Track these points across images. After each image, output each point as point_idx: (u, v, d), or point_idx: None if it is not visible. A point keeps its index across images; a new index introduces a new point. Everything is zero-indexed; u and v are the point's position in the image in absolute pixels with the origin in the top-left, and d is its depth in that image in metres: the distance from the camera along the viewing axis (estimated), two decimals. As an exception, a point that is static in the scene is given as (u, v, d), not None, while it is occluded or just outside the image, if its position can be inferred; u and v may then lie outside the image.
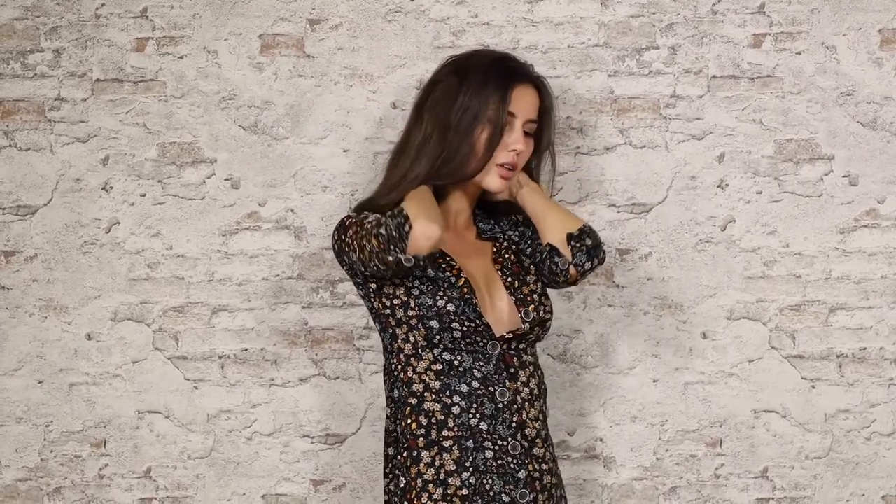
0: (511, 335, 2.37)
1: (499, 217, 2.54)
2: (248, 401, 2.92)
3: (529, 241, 2.51)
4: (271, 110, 2.91)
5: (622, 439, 2.91)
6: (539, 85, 2.45)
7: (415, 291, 2.34)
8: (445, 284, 2.35)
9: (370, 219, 2.33)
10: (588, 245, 2.39)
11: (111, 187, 2.92)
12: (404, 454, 2.35)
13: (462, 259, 2.42)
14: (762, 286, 2.90)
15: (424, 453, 2.34)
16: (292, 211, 2.91)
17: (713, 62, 2.88)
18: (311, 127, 2.91)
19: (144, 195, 2.92)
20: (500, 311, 2.40)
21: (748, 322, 2.90)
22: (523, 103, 2.40)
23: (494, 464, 2.32)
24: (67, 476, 2.93)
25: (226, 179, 2.91)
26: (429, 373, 2.36)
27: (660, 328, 2.90)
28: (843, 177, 2.89)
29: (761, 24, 2.88)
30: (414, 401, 2.36)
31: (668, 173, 2.89)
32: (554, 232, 2.41)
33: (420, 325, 2.32)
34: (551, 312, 2.44)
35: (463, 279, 2.36)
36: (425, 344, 2.35)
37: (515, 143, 2.38)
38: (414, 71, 2.88)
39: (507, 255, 2.48)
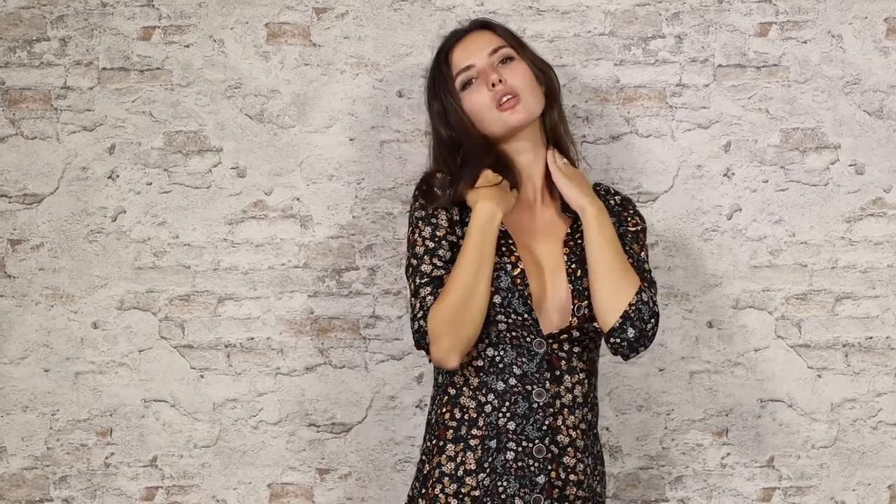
0: (559, 332, 2.27)
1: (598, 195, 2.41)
2: (254, 389, 2.92)
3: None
4: (277, 99, 2.91)
5: (628, 428, 2.91)
6: (481, 25, 2.41)
7: None
8: (499, 272, 2.27)
9: (416, 275, 2.29)
10: (629, 338, 2.24)
11: (117, 176, 2.92)
12: (433, 441, 2.34)
13: (530, 239, 2.33)
14: (768, 275, 2.89)
15: (450, 446, 2.31)
16: (298, 200, 2.91)
17: (719, 51, 2.88)
18: (316, 116, 2.91)
19: (150, 184, 2.92)
20: (557, 302, 2.29)
21: (754, 311, 2.90)
22: (470, 49, 2.36)
23: (514, 465, 2.26)
24: (73, 464, 2.93)
25: (232, 168, 2.92)
26: (470, 368, 2.31)
27: (665, 317, 2.89)
28: (850, 166, 2.88)
29: (767, 12, 2.88)
30: (453, 391, 2.33)
31: (674, 162, 2.89)
32: (599, 310, 2.26)
33: None
34: None
35: (519, 269, 2.27)
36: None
37: (489, 79, 2.31)
38: (420, 60, 2.88)
39: (580, 240, 2.34)
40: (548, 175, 2.41)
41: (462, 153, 2.35)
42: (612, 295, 2.24)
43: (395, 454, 2.92)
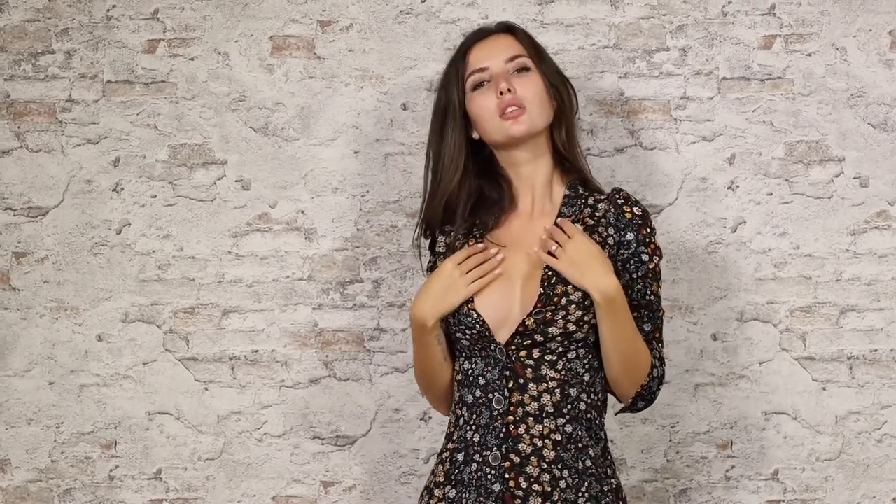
0: (518, 337, 2.23)
1: (606, 207, 2.32)
2: (259, 402, 2.92)
3: (619, 252, 2.29)
4: (282, 112, 2.91)
5: (633, 441, 2.91)
6: (505, 29, 2.37)
7: None
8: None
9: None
10: (638, 408, 2.36)
11: (122, 189, 2.92)
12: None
13: (512, 248, 2.30)
14: (773, 288, 2.89)
15: (435, 458, 2.39)
16: (303, 212, 2.91)
17: (723, 64, 2.88)
18: (321, 128, 2.91)
19: (155, 197, 2.92)
20: (526, 309, 2.24)
21: (759, 324, 2.90)
22: (488, 52, 2.32)
23: (475, 476, 2.24)
24: (78, 477, 2.93)
25: (236, 181, 2.92)
26: (454, 383, 2.34)
27: (670, 330, 2.89)
28: (854, 178, 2.88)
29: (771, 25, 2.88)
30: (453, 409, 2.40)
31: (678, 175, 2.89)
32: (615, 392, 2.33)
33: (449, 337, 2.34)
34: (576, 324, 2.22)
35: None
36: (457, 354, 2.34)
37: (500, 86, 2.27)
38: (424, 72, 2.89)
39: None
40: (547, 185, 2.36)
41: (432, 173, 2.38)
42: (628, 382, 2.30)
43: (400, 467, 2.92)
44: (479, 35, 2.38)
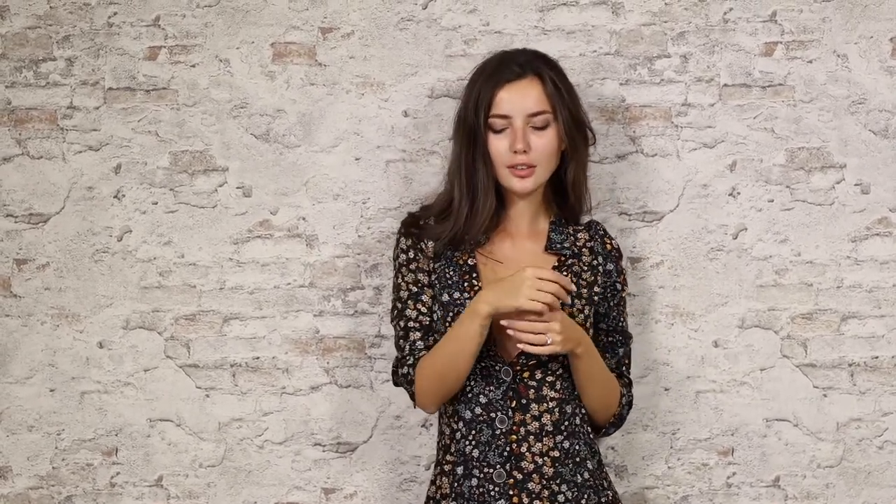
0: (524, 358, 2.33)
1: (587, 237, 2.51)
2: (260, 409, 2.92)
3: (604, 279, 2.49)
4: (283, 118, 2.91)
5: (634, 448, 2.91)
6: (535, 72, 2.41)
7: (442, 313, 2.40)
8: (460, 308, 2.36)
9: (402, 319, 2.46)
10: (610, 433, 2.55)
11: (123, 195, 2.92)
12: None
13: (509, 270, 2.36)
14: (774, 294, 2.89)
15: (437, 469, 2.43)
16: (304, 219, 2.91)
17: (724, 70, 2.88)
18: (322, 135, 2.91)
19: (156, 203, 2.92)
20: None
21: (760, 330, 2.89)
22: (514, 101, 2.38)
23: (477, 491, 2.31)
24: (79, 484, 2.93)
25: (237, 188, 2.92)
26: None
27: (671, 336, 2.89)
28: (855, 185, 2.88)
29: (773, 32, 2.88)
30: (441, 418, 2.46)
31: (679, 181, 2.89)
32: (591, 419, 2.48)
33: None
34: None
35: None
36: None
37: (515, 144, 2.36)
38: (425, 79, 2.89)
39: (564, 273, 2.44)
40: (537, 213, 2.49)
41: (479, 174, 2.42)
42: (603, 414, 2.48)
43: (401, 474, 2.92)
44: (510, 75, 2.40)
